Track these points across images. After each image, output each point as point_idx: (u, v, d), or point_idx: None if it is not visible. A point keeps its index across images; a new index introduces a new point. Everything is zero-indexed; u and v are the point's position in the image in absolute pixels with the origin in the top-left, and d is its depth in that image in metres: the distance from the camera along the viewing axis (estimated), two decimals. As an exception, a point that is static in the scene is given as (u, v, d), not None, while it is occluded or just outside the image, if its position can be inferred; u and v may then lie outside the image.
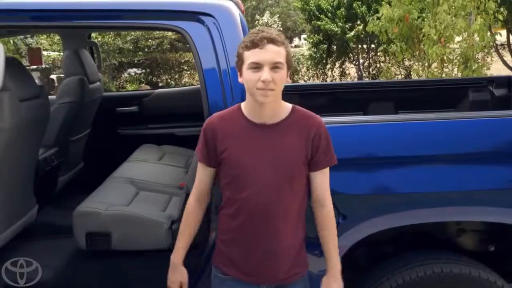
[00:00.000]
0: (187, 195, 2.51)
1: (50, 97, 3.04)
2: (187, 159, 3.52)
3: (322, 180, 1.72)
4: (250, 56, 1.58)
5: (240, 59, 1.63)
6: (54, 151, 3.22)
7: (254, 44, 1.57)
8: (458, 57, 6.58)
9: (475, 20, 6.25)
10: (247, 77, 1.60)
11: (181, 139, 3.83)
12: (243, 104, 1.72)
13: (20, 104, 2.47)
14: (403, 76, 13.35)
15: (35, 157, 2.83)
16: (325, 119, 1.75)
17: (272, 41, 1.56)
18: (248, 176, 1.64)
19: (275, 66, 1.57)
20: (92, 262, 2.57)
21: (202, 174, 1.77)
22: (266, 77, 1.55)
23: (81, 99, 3.36)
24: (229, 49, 2.00)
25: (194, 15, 2.06)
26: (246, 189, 1.64)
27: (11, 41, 9.35)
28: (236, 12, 2.14)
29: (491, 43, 7.36)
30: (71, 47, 3.54)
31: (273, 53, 1.56)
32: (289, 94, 3.38)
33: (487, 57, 8.36)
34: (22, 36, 11.34)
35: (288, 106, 1.72)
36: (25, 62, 11.73)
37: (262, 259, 1.67)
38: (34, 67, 11.40)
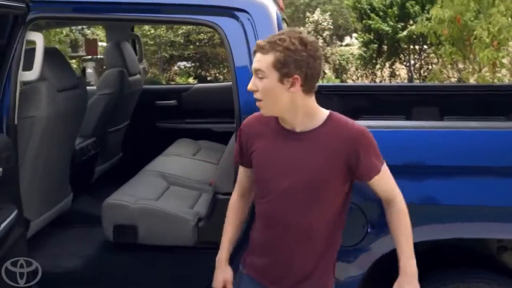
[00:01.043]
0: (215, 193, 2.49)
1: (89, 87, 3.08)
2: (221, 155, 3.47)
3: (381, 183, 1.59)
4: None
5: None
6: (91, 141, 3.26)
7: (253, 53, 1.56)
8: (514, 62, 6.23)
9: (535, 22, 5.88)
10: None
11: (218, 135, 3.80)
12: None
13: (57, 94, 2.51)
14: (456, 79, 12.83)
15: (71, 147, 2.87)
16: (364, 123, 1.66)
17: (260, 48, 1.51)
18: (268, 182, 1.59)
19: (257, 75, 1.52)
20: (119, 254, 2.58)
21: (241, 174, 1.76)
22: (248, 85, 1.53)
23: (121, 91, 3.39)
24: None
25: (229, 11, 2.04)
26: (266, 194, 1.61)
27: (63, 32, 9.63)
28: (273, 9, 2.09)
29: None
30: (114, 39, 3.59)
31: (257, 61, 1.51)
32: (329, 94, 3.33)
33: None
34: (79, 27, 11.75)
35: (324, 113, 1.58)
36: (82, 52, 12.24)
37: (276, 267, 1.63)
38: (89, 57, 11.87)
